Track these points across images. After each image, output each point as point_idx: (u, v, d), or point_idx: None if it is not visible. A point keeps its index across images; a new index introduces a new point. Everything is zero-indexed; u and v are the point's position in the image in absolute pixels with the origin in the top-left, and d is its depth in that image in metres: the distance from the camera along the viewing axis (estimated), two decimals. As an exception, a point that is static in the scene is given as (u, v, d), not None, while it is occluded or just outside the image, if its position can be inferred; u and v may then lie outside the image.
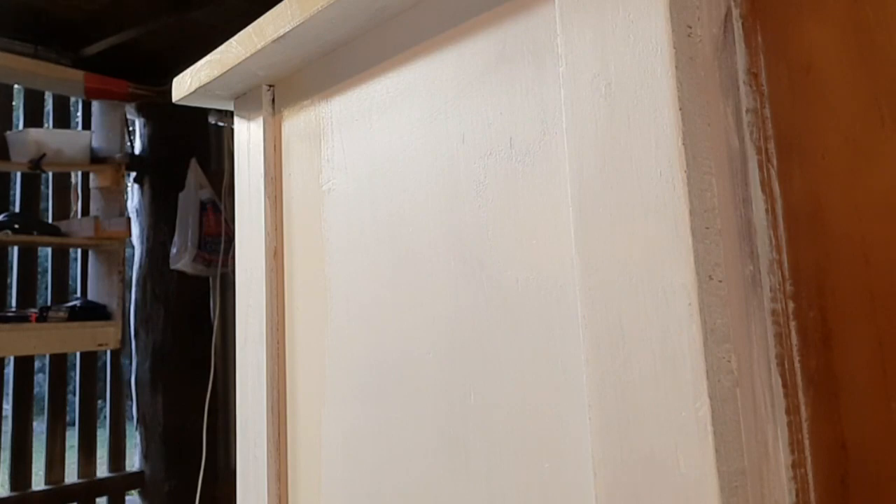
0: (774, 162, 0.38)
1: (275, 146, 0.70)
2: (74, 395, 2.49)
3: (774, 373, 0.36)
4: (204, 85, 0.71)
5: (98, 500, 2.40)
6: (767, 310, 0.37)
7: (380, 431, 0.55)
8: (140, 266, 2.60)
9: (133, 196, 2.66)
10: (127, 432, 2.54)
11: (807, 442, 0.36)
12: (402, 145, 0.55)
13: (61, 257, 2.54)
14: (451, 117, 0.51)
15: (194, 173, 2.46)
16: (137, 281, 2.58)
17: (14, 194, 2.46)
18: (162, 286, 2.49)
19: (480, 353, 0.47)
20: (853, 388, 0.35)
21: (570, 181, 0.40)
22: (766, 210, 0.37)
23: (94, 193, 2.57)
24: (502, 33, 0.47)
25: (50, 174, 2.50)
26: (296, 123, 0.68)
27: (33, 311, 2.23)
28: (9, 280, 2.38)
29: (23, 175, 2.44)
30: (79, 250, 2.55)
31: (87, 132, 2.52)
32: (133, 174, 2.63)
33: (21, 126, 2.50)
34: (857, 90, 0.35)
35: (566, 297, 0.41)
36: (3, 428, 2.27)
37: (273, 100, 0.72)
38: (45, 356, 2.40)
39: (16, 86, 2.49)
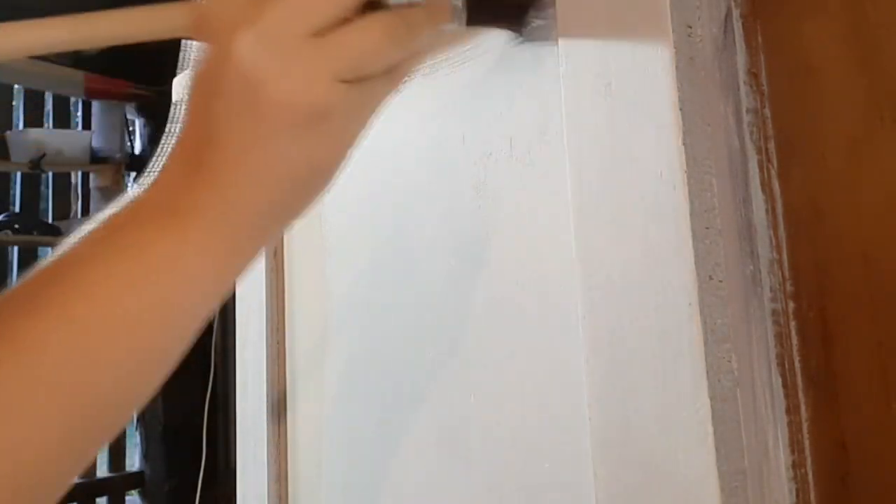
0: (774, 162, 0.38)
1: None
2: (74, 395, 2.49)
3: (774, 373, 0.36)
4: (204, 85, 0.71)
5: (98, 500, 2.39)
6: (767, 310, 0.37)
7: (380, 431, 0.55)
8: (140, 266, 2.59)
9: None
10: (127, 432, 2.53)
11: (807, 442, 0.36)
12: (403, 145, 0.55)
13: (61, 257, 2.52)
14: (450, 118, 0.51)
15: (194, 173, 2.45)
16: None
17: (14, 194, 2.46)
18: (162, 286, 2.48)
19: (480, 354, 0.47)
20: (853, 388, 0.35)
21: (570, 181, 0.40)
22: (766, 210, 0.37)
23: (94, 193, 2.56)
24: (502, 33, 0.47)
25: (50, 174, 2.50)
26: (296, 123, 0.68)
27: (33, 311, 2.22)
28: (9, 280, 2.38)
29: (23, 175, 2.44)
30: (79, 250, 2.53)
31: (87, 132, 2.52)
32: (133, 174, 2.63)
33: (21, 126, 2.50)
34: (857, 90, 0.36)
35: (566, 297, 0.41)
36: (3, 428, 2.26)
37: (273, 100, 0.72)
38: (45, 356, 2.38)
39: (16, 86, 2.49)
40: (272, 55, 0.28)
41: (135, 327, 0.28)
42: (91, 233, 0.29)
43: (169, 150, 0.31)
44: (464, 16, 0.35)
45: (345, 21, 0.29)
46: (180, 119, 0.31)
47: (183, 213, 0.29)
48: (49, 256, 0.29)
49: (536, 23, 0.40)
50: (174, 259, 0.29)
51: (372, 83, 0.31)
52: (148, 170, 0.31)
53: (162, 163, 0.30)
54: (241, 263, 0.31)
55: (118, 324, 0.28)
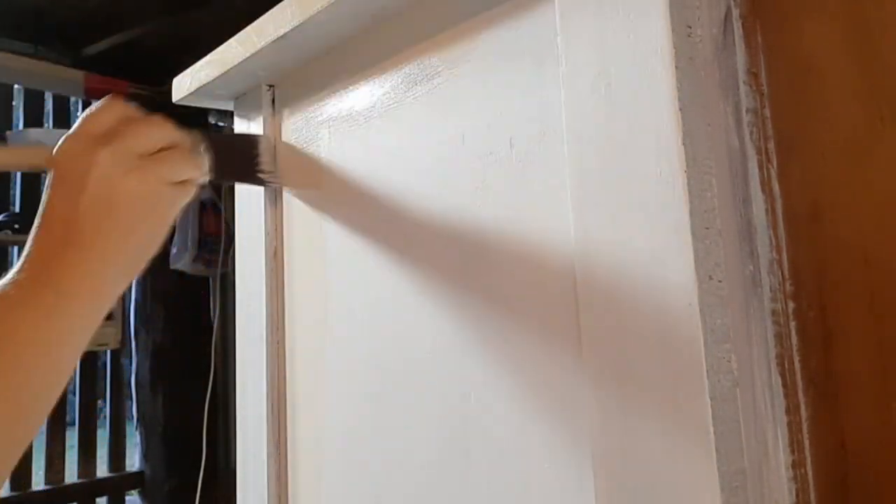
0: (774, 162, 0.38)
1: (275, 146, 0.70)
2: (74, 394, 2.49)
3: (774, 373, 0.36)
4: (204, 85, 0.71)
5: (98, 500, 2.39)
6: (767, 310, 0.37)
7: (380, 431, 0.55)
8: (140, 266, 2.59)
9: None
10: (127, 432, 2.53)
11: (807, 442, 0.36)
12: (403, 145, 0.55)
13: (61, 257, 2.53)
14: (450, 117, 0.51)
15: (194, 173, 2.45)
16: (137, 280, 2.57)
17: (14, 194, 2.46)
18: (162, 286, 2.48)
19: (481, 354, 0.47)
20: (853, 388, 0.35)
21: (570, 181, 0.40)
22: (766, 210, 0.37)
23: (94, 193, 2.55)
24: (502, 33, 0.47)
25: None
26: (296, 123, 0.68)
27: (33, 311, 2.22)
28: (9, 280, 2.38)
29: (23, 175, 2.44)
30: (79, 250, 2.54)
31: (87, 132, 2.51)
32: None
33: (21, 126, 2.50)
34: (857, 90, 0.36)
35: (566, 297, 0.41)
36: (3, 428, 2.25)
37: (273, 100, 0.72)
38: (45, 356, 2.38)
39: (16, 86, 2.48)
40: (125, 165, 0.43)
41: (26, 366, 0.39)
42: None
43: (32, 235, 0.42)
44: (212, 174, 0.52)
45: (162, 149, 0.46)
46: (43, 207, 0.43)
47: (57, 278, 0.40)
48: None
49: (268, 179, 0.65)
50: (52, 313, 0.40)
51: (181, 186, 0.47)
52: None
53: (28, 247, 0.42)
54: (102, 307, 0.43)
55: (14, 366, 0.38)
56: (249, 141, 0.65)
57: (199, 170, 0.49)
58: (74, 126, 0.45)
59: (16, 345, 0.38)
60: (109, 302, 0.43)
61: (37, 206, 0.43)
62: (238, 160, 0.62)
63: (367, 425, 0.57)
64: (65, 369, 0.41)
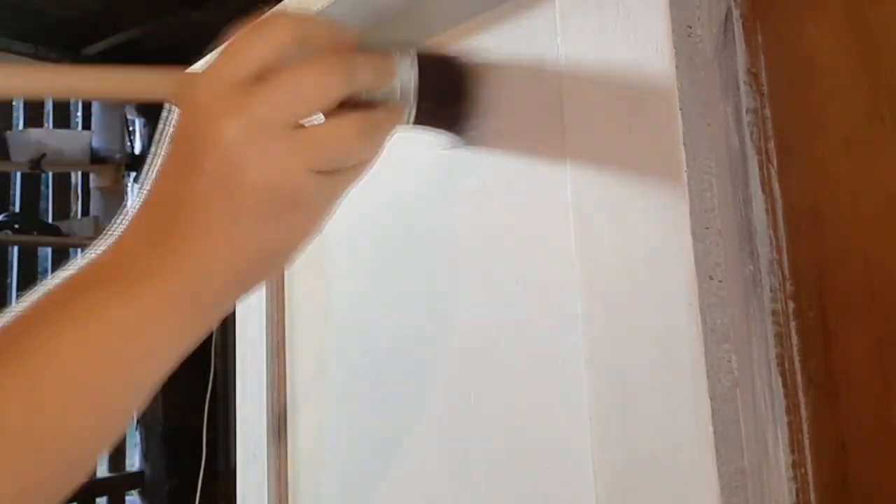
0: (774, 162, 0.38)
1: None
2: (74, 395, 2.49)
3: (774, 373, 0.36)
4: (204, 85, 0.71)
5: (98, 500, 2.40)
6: (767, 310, 0.37)
7: (380, 431, 0.55)
8: (140, 266, 2.58)
9: (133, 196, 2.66)
10: (127, 432, 2.53)
11: (807, 442, 0.36)
12: (402, 145, 0.55)
13: (61, 257, 2.54)
14: (451, 117, 0.51)
15: (194, 173, 2.45)
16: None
17: (14, 194, 2.46)
18: (162, 286, 2.48)
19: (481, 354, 0.47)
20: (853, 388, 0.35)
21: (570, 181, 0.40)
22: (766, 210, 0.37)
23: (94, 193, 2.57)
24: (502, 33, 0.47)
25: (50, 174, 2.50)
26: (296, 123, 0.68)
27: (33, 311, 2.22)
28: (9, 280, 2.38)
29: (23, 175, 2.44)
30: (79, 250, 2.55)
31: (87, 132, 2.53)
32: (133, 174, 2.63)
33: (21, 126, 2.50)
34: (857, 90, 0.36)
35: (566, 297, 0.41)
36: (3, 428, 2.25)
37: (273, 100, 0.72)
38: (45, 356, 2.38)
39: (16, 86, 2.48)
40: (255, 144, 0.29)
41: (88, 389, 0.29)
42: (51, 292, 0.30)
43: (135, 211, 0.31)
44: (412, 115, 0.37)
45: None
46: (151, 182, 0.32)
47: (141, 280, 0.29)
48: (8, 314, 0.30)
49: (469, 132, 0.42)
50: (127, 325, 0.29)
51: (340, 175, 0.32)
52: (110, 228, 0.32)
53: (127, 222, 0.31)
54: (193, 332, 0.32)
55: (72, 386, 0.29)
56: (458, 68, 0.40)
57: (378, 146, 0.34)
58: (218, 53, 0.32)
59: (73, 361, 0.28)
60: (212, 317, 0.32)
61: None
62: (449, 101, 0.40)
63: (368, 425, 0.57)
64: (134, 395, 0.31)
